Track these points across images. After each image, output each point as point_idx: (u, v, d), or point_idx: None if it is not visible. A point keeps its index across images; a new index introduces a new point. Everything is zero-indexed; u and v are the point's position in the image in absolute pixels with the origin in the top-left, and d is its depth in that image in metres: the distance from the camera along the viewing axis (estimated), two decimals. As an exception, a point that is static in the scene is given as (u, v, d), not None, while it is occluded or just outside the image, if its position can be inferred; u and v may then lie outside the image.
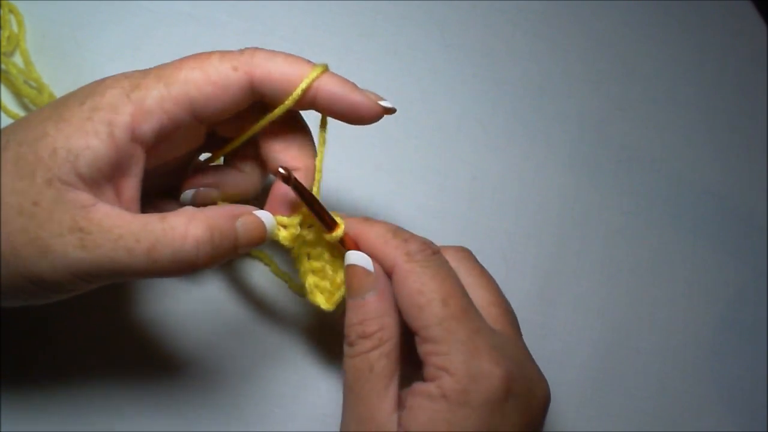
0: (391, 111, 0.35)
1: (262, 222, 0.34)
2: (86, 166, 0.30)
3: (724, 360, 0.52)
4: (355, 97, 0.33)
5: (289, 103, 0.33)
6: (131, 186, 0.32)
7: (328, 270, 0.38)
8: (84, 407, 0.41)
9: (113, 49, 0.49)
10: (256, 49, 0.33)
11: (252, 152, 0.37)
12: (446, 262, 0.35)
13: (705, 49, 0.61)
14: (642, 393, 0.50)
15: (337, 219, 0.36)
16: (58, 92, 0.47)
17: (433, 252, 0.35)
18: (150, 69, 0.33)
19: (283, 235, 0.36)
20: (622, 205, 0.54)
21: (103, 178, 0.31)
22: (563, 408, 0.48)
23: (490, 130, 0.54)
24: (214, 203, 0.37)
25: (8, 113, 0.46)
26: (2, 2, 0.48)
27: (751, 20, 0.63)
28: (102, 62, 0.49)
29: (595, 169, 0.55)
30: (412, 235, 0.35)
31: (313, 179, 0.36)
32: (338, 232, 0.35)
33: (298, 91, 0.33)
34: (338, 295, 0.37)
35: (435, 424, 0.31)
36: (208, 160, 0.39)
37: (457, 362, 0.32)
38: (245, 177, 0.38)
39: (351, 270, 0.35)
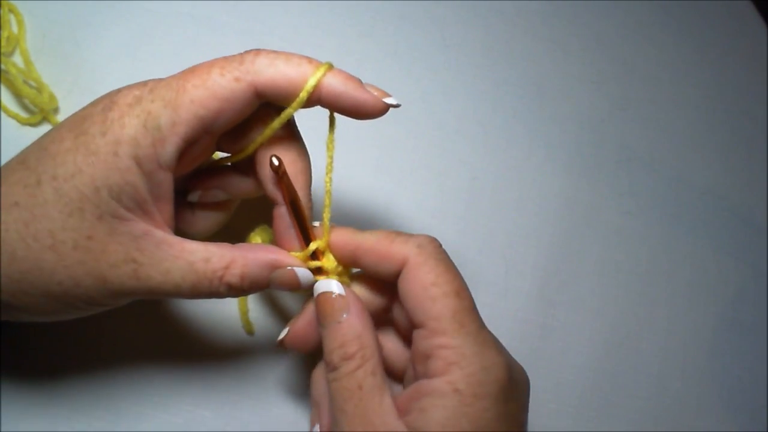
0: (395, 106, 0.35)
1: (297, 278, 0.36)
2: (130, 200, 0.32)
3: (724, 360, 0.52)
4: (359, 96, 0.34)
5: (293, 109, 0.34)
6: (167, 208, 0.34)
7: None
8: (84, 407, 0.41)
9: (113, 50, 0.49)
10: (258, 52, 0.33)
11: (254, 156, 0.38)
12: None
13: (705, 49, 0.61)
14: (642, 393, 0.50)
15: (322, 230, 0.36)
16: (58, 92, 0.47)
17: (440, 245, 0.35)
18: (154, 90, 0.33)
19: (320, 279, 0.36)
20: (622, 205, 0.54)
21: (146, 206, 0.33)
22: (563, 408, 0.48)
23: (490, 130, 0.54)
24: (219, 201, 0.39)
25: (8, 113, 0.46)
26: (2, 2, 0.48)
27: (751, 20, 0.63)
28: (102, 62, 0.49)
29: (595, 170, 0.55)
30: (414, 234, 0.36)
31: (309, 181, 0.36)
32: (310, 247, 0.36)
33: (303, 95, 0.33)
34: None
35: (454, 420, 0.31)
36: (214, 162, 0.40)
37: (470, 355, 0.32)
38: (249, 179, 0.38)
39: (322, 298, 0.35)
